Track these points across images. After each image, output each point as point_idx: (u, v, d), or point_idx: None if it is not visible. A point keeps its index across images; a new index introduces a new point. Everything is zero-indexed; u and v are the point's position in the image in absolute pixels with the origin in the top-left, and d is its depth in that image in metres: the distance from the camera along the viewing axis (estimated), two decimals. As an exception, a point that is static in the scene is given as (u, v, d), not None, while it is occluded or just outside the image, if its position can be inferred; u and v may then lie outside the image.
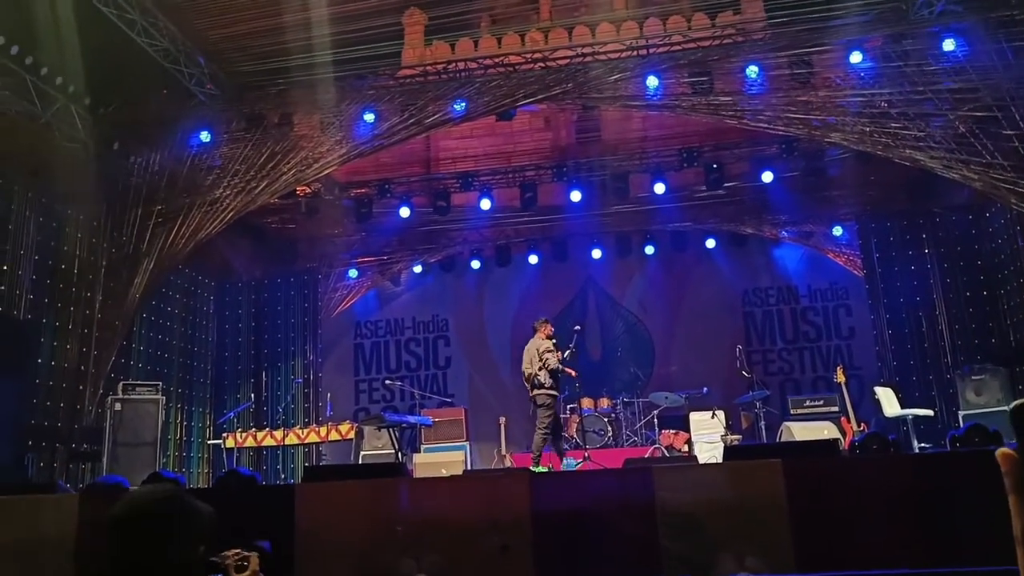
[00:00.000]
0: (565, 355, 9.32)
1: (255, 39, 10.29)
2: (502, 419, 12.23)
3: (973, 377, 10.65)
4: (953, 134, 9.47)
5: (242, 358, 14.17)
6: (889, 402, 9.80)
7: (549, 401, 9.17)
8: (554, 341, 9.39)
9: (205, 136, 10.72)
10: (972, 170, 9.39)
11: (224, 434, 11.06)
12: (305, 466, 11.40)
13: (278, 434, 10.88)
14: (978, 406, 10.27)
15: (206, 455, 13.30)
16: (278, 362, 14.08)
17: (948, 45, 9.32)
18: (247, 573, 2.40)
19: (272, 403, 13.71)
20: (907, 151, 9.72)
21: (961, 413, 10.46)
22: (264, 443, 10.88)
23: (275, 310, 14.36)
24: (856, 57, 9.63)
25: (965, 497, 4.62)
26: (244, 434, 10.90)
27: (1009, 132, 9.08)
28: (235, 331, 14.34)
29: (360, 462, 10.69)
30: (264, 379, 14.03)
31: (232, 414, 12.05)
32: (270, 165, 10.65)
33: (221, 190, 10.73)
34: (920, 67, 9.50)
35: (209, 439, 13.18)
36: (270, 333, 14.26)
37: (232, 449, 10.73)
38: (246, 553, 2.43)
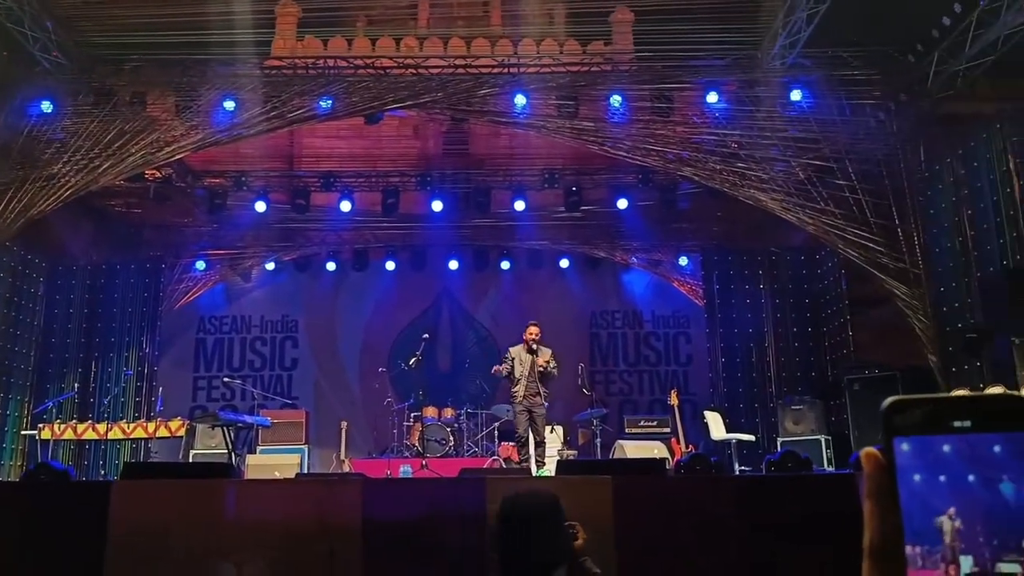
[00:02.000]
0: (410, 363, 9.32)
1: (111, 9, 9.70)
2: (344, 424, 12.01)
3: (793, 407, 11.26)
4: (794, 180, 10.15)
5: (71, 346, 13.20)
6: (716, 426, 10.33)
7: (515, 407, 9.26)
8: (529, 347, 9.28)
9: (47, 106, 10.00)
10: (807, 215, 10.08)
11: (41, 425, 10.30)
12: (125, 462, 10.76)
13: (101, 427, 10.26)
14: (795, 434, 10.89)
15: (21, 446, 12.31)
16: (111, 352, 13.22)
17: (795, 96, 9.97)
18: (579, 541, 2.73)
19: (100, 395, 12.88)
20: (751, 191, 10.32)
21: (779, 439, 11.02)
22: (85, 436, 10.22)
23: (112, 297, 13.47)
24: (712, 97, 10.14)
25: (780, 518, 4.93)
26: (63, 426, 10.21)
27: (842, 183, 9.82)
28: (65, 316, 13.33)
29: (191, 461, 10.23)
30: (94, 369, 13.12)
31: (51, 403, 11.22)
32: (117, 144, 10.06)
33: (60, 166, 10.03)
34: (769, 114, 10.14)
35: (25, 429, 12.24)
36: (104, 321, 13.38)
37: (48, 441, 10.02)
38: (574, 522, 2.83)
